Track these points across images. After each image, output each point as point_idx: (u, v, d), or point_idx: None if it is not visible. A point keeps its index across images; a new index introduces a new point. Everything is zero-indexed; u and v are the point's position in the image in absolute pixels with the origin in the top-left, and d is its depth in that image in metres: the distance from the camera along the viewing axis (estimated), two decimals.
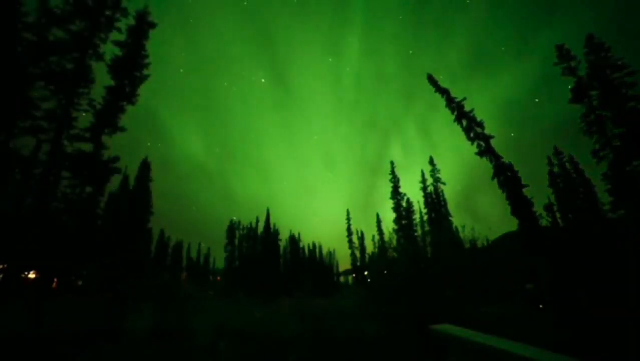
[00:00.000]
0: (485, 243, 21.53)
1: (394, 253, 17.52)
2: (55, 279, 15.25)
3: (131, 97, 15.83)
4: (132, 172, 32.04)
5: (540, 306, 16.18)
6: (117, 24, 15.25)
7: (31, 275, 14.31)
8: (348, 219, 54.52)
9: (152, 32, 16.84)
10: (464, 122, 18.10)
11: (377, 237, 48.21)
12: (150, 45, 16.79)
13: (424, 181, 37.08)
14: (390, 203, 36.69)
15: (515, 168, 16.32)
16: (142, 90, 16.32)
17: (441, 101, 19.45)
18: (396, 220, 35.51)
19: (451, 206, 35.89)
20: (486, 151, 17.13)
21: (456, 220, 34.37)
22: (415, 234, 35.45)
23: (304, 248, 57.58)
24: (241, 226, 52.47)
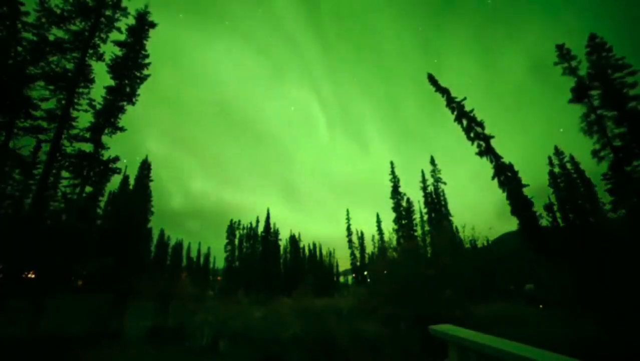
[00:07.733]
0: (485, 243, 21.52)
1: (394, 253, 17.49)
2: (55, 280, 15.25)
3: (131, 97, 15.86)
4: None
5: (540, 306, 16.17)
6: (117, 24, 15.26)
7: (31, 275, 14.31)
8: (348, 219, 54.52)
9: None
10: (464, 122, 18.11)
11: (377, 237, 48.24)
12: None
13: (424, 180, 37.07)
14: (390, 203, 36.78)
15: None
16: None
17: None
18: (396, 220, 35.56)
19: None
20: (486, 151, 17.15)
21: (456, 220, 34.34)
22: (415, 234, 35.48)
23: (304, 248, 57.60)
24: (241, 226, 52.53)
